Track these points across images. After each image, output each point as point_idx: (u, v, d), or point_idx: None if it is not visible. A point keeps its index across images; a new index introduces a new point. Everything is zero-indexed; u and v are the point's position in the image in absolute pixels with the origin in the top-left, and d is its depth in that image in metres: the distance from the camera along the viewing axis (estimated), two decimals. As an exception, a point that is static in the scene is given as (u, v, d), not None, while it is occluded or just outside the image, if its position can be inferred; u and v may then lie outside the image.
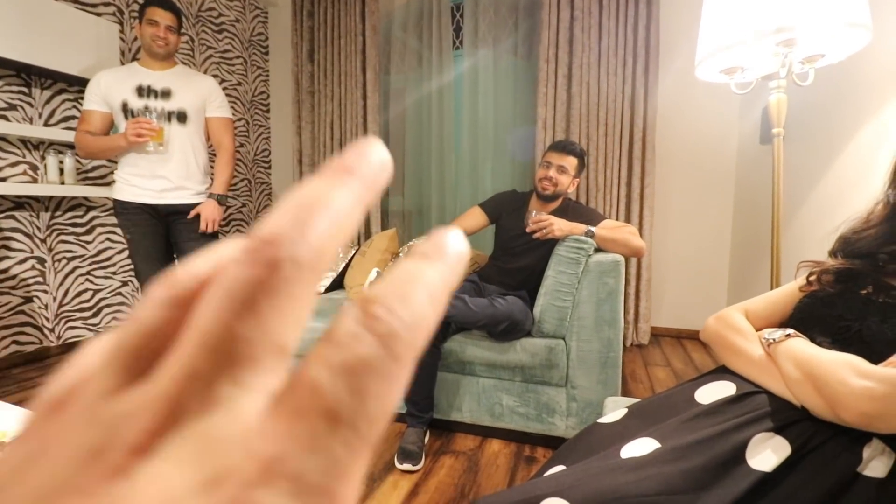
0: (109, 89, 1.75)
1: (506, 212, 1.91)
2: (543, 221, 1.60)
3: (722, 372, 0.72)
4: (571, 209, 1.82)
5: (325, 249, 0.10)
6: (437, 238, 0.12)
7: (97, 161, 2.58)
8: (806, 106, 1.82)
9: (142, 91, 1.77)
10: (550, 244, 1.65)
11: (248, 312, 0.09)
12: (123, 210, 1.82)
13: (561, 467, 0.67)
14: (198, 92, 1.87)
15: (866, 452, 0.53)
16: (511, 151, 3.04)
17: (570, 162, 1.77)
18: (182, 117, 1.82)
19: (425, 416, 1.58)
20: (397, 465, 1.45)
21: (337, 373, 0.09)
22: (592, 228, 1.60)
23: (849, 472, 0.53)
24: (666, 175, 2.84)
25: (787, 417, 0.58)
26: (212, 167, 1.98)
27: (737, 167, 2.75)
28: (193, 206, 1.87)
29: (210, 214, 1.86)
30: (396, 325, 0.10)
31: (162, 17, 1.74)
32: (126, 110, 1.75)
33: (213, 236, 1.91)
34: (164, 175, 1.80)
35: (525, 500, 0.58)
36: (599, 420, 0.76)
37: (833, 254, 0.76)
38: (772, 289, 0.82)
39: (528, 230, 1.63)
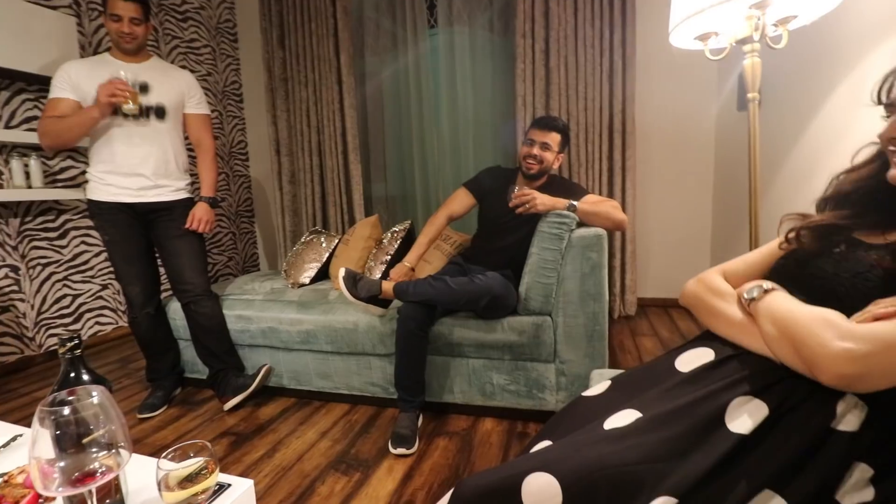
0: (81, 80, 1.65)
1: (490, 189, 1.89)
2: (526, 196, 1.58)
3: (702, 339, 0.72)
4: (555, 184, 1.81)
5: None
6: None
7: (66, 163, 2.49)
8: (780, 70, 1.82)
9: None
10: (534, 222, 1.64)
11: None
12: (100, 211, 1.74)
13: (547, 442, 0.67)
14: (176, 87, 1.80)
15: (840, 407, 0.54)
16: (494, 138, 3.01)
17: (554, 138, 1.75)
18: (161, 113, 1.75)
19: (417, 400, 1.59)
20: (391, 449, 1.46)
21: None
22: (574, 203, 1.59)
23: (823, 427, 0.53)
24: (647, 147, 2.84)
25: (766, 380, 0.58)
26: (191, 165, 1.92)
27: (716, 136, 2.76)
28: (173, 203, 1.81)
29: (203, 215, 1.82)
30: None
31: (124, 9, 1.63)
32: None
33: (197, 234, 1.86)
34: (142, 172, 1.73)
35: (510, 477, 0.58)
36: (584, 393, 0.77)
37: (823, 201, 0.75)
38: (751, 253, 0.82)
39: (510, 205, 1.62)
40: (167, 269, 1.86)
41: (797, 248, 0.71)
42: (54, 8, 2.42)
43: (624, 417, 0.62)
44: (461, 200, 1.93)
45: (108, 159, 1.71)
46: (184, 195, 1.86)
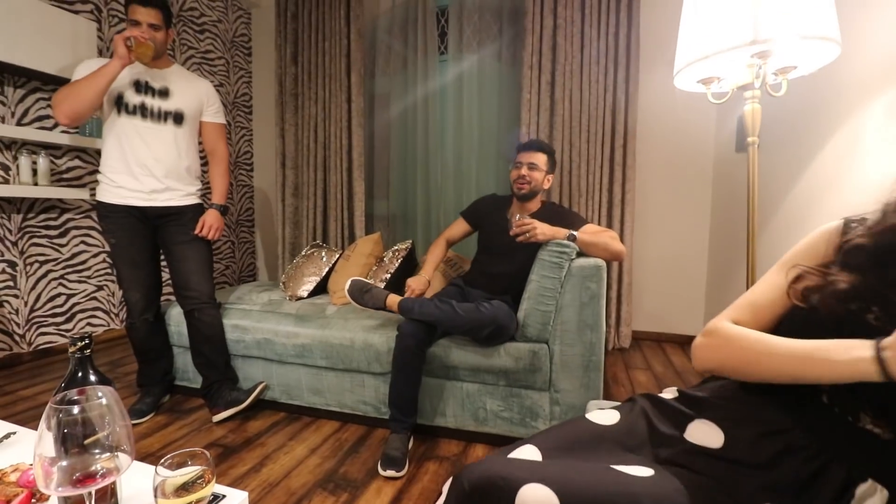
0: None
1: (486, 216, 1.93)
2: (527, 225, 1.61)
3: (710, 408, 0.69)
4: (554, 213, 1.84)
5: None
6: None
7: (73, 162, 2.51)
8: (779, 116, 1.88)
9: (139, 87, 1.71)
10: (533, 248, 1.66)
11: None
12: (108, 213, 1.73)
13: (534, 447, 0.67)
14: (195, 94, 1.84)
15: (859, 492, 0.53)
16: (501, 155, 3.07)
17: (540, 158, 1.81)
18: (179, 118, 1.78)
19: (409, 422, 1.57)
20: (381, 471, 1.44)
21: None
22: (574, 232, 1.62)
23: None
24: (646, 181, 2.90)
25: (785, 478, 0.57)
26: (204, 172, 1.94)
27: (714, 174, 2.82)
28: (183, 208, 1.82)
29: (214, 222, 1.84)
30: None
31: (143, 15, 1.65)
32: (121, 103, 1.68)
33: (205, 240, 1.87)
34: (154, 173, 1.73)
35: (508, 479, 0.57)
36: (588, 416, 0.76)
37: (859, 249, 0.62)
38: (747, 294, 0.81)
39: (511, 233, 1.65)
40: (173, 274, 1.84)
41: (815, 307, 0.63)
42: (76, 12, 2.48)
43: (633, 469, 0.62)
44: (458, 227, 2.03)
45: (119, 156, 1.71)
46: (194, 200, 1.87)
